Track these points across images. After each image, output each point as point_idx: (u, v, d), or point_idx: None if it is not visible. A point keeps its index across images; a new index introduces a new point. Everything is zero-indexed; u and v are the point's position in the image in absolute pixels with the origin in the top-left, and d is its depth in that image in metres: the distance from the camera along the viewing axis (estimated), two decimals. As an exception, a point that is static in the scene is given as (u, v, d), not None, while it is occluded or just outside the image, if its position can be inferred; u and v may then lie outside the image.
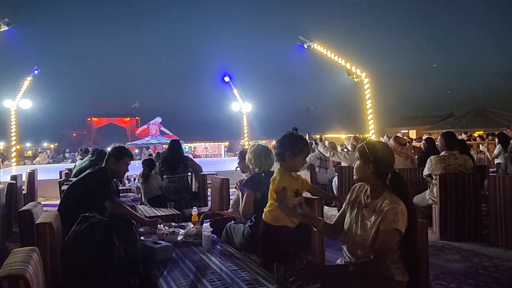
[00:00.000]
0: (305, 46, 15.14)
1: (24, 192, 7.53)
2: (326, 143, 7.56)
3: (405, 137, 11.15)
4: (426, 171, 5.38)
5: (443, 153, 5.29)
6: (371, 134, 12.18)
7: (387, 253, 2.06)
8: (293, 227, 2.52)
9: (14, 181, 6.45)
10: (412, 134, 33.44)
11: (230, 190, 5.20)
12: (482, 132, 23.43)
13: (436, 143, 6.33)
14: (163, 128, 23.08)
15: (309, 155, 7.81)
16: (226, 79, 21.85)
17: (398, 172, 2.28)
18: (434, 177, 5.23)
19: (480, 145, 14.79)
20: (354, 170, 2.31)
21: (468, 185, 5.09)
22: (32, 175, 7.96)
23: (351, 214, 2.31)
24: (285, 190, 2.39)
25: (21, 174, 7.51)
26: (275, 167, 3.17)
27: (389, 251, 2.07)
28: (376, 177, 2.23)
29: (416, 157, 7.02)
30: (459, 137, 17.57)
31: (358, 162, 2.29)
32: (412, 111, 43.71)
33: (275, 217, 2.45)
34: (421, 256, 2.19)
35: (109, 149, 4.10)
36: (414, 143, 12.88)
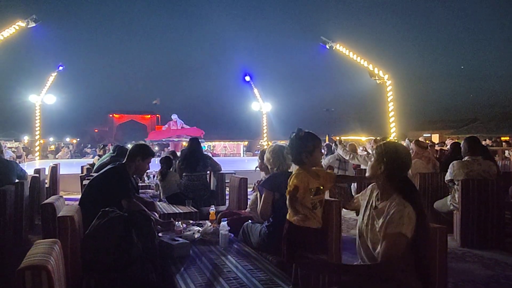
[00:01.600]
0: (327, 46, 15.03)
1: (46, 185, 7.70)
2: (347, 146, 7.51)
3: (427, 141, 10.97)
4: (448, 176, 5.29)
5: (466, 158, 5.20)
6: (393, 137, 12.00)
7: (392, 257, 1.99)
8: (318, 228, 2.53)
9: (37, 175, 6.61)
10: (435, 138, 32.87)
11: (248, 189, 5.22)
12: (508, 138, 22.87)
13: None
14: (184, 125, 23.24)
15: (328, 157, 7.77)
16: (247, 78, 21.87)
17: (410, 179, 2.27)
18: (456, 183, 5.14)
19: (506, 151, 14.46)
20: (368, 167, 2.32)
21: (492, 191, 4.98)
22: (55, 169, 8.14)
23: (364, 215, 2.29)
24: (297, 189, 2.41)
25: (44, 168, 7.69)
26: (294, 167, 3.18)
27: (395, 256, 1.99)
28: (386, 178, 2.21)
29: (441, 160, 6.92)
30: (484, 143, 17.21)
31: (372, 159, 2.29)
32: (435, 114, 42.90)
33: (301, 218, 2.45)
34: (440, 263, 2.15)
35: (129, 146, 4.18)
36: (436, 147, 12.66)
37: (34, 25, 14.90)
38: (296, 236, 2.47)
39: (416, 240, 2.04)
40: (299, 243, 2.43)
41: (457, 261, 4.46)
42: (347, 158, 7.03)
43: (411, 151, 6.90)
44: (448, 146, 7.91)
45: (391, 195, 2.17)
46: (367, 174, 2.33)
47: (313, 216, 2.47)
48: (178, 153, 10.70)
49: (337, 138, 8.01)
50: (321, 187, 2.50)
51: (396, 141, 11.55)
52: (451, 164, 5.26)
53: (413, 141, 6.73)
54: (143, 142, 4.13)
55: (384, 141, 2.38)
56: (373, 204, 2.26)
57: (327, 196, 3.09)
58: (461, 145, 5.51)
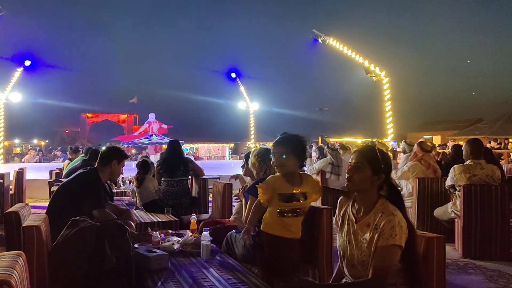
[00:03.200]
0: (320, 40, 15.12)
1: (11, 192, 7.63)
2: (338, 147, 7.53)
3: (428, 143, 11.07)
4: (448, 182, 5.36)
5: (468, 162, 5.27)
6: (390, 139, 12.11)
7: (386, 271, 2.00)
8: (294, 239, 2.49)
9: (1, 180, 6.54)
10: (437, 140, 33.31)
11: (233, 196, 5.23)
12: (514, 140, 23.26)
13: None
14: (163, 125, 23.20)
15: (320, 160, 7.82)
16: (233, 75, 21.90)
17: (393, 182, 2.24)
18: (457, 188, 5.21)
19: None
20: (355, 179, 2.15)
21: (496, 197, 5.05)
22: (20, 174, 8.06)
23: (342, 233, 2.23)
24: (260, 192, 2.45)
25: (9, 173, 7.60)
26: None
27: (389, 270, 2.00)
28: (378, 189, 2.15)
29: (442, 162, 6.95)
30: (489, 145, 17.47)
31: (363, 170, 2.13)
32: (437, 114, 43.42)
33: (266, 223, 2.45)
34: (437, 276, 2.18)
35: (104, 148, 4.16)
36: (438, 150, 12.82)
37: (-2, 15, 14.73)
38: (269, 245, 2.46)
39: (407, 250, 2.04)
40: (272, 254, 2.41)
41: (459, 273, 4.52)
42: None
43: (403, 153, 6.93)
44: (450, 149, 7.97)
45: (375, 205, 2.13)
46: (351, 186, 2.18)
47: (281, 225, 2.43)
48: (154, 156, 10.62)
49: (331, 140, 8.06)
50: (296, 195, 2.43)
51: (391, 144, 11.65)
52: (452, 168, 5.33)
53: (417, 142, 6.69)
54: (114, 145, 4.11)
55: (368, 145, 2.29)
56: (352, 218, 2.20)
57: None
58: (462, 148, 5.58)
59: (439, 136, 36.28)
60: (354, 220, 2.19)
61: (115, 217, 3.68)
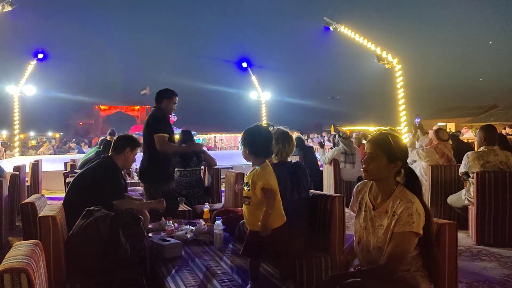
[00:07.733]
0: (331, 28, 14.92)
1: (27, 184, 7.72)
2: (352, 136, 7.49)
3: (444, 130, 10.83)
4: (462, 168, 5.32)
5: (481, 148, 5.22)
6: (403, 127, 12.00)
7: (401, 258, 2.01)
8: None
9: (17, 172, 6.62)
10: (451, 127, 32.91)
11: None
12: (530, 126, 22.86)
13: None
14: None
15: (333, 149, 7.78)
16: (244, 64, 21.77)
17: (410, 167, 2.23)
18: (471, 175, 5.17)
19: (527, 141, 14.47)
20: (371, 169, 2.16)
21: (510, 184, 5.00)
22: (36, 166, 8.16)
23: (359, 219, 2.24)
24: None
25: (25, 165, 7.69)
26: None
27: (404, 256, 2.02)
28: (395, 176, 2.16)
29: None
30: (504, 131, 17.22)
31: (378, 160, 2.14)
32: (451, 101, 42.85)
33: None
34: (450, 261, 2.17)
35: (116, 137, 4.16)
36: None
37: (10, 9, 14.79)
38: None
39: (422, 236, 2.04)
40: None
41: (472, 260, 4.50)
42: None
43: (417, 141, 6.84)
44: (464, 135, 7.82)
45: (393, 191, 2.14)
46: (368, 176, 2.20)
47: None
48: None
49: (343, 128, 8.01)
50: (245, 184, 2.38)
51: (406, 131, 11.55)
52: (465, 155, 5.28)
53: (434, 130, 6.56)
54: (126, 133, 4.12)
55: (382, 133, 2.28)
56: (370, 204, 2.22)
57: (331, 192, 3.09)
58: (475, 135, 5.52)
59: (453, 123, 35.86)
60: (371, 207, 2.20)
61: (131, 201, 3.74)
